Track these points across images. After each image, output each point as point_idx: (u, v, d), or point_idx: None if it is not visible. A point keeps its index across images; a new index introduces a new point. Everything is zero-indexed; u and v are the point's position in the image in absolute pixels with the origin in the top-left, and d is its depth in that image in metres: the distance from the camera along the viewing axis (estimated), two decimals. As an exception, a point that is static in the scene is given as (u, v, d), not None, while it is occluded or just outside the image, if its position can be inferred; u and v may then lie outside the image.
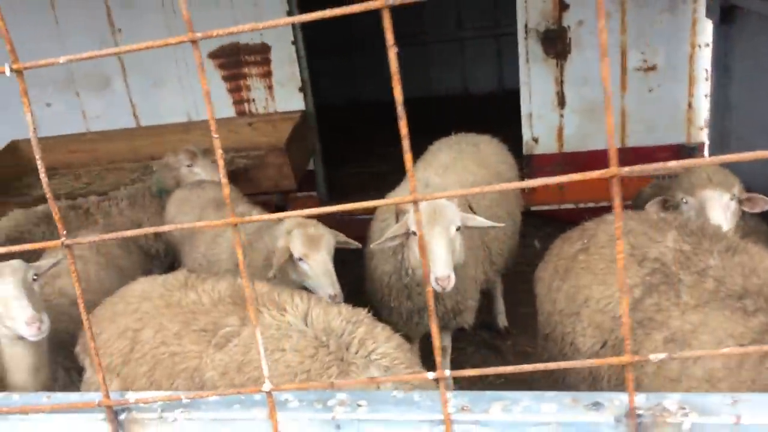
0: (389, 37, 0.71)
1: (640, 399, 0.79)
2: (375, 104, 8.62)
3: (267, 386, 0.80)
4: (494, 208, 4.51)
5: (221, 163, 0.92)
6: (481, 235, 4.41)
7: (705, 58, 5.91)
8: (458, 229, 3.54)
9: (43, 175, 0.79)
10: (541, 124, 6.39)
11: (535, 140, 6.45)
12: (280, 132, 6.48)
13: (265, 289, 2.89)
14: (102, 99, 7.01)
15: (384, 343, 2.69)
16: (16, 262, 3.12)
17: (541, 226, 6.54)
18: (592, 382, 2.94)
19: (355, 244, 4.00)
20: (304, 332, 2.67)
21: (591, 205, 6.46)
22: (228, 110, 6.93)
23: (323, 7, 0.82)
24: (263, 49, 6.64)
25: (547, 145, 6.46)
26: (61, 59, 0.90)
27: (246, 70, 6.74)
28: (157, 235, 5.19)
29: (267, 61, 6.67)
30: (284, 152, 5.92)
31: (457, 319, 4.32)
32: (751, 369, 2.33)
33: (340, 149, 8.41)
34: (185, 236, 4.67)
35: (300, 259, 3.71)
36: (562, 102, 6.28)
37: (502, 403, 0.84)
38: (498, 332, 5.43)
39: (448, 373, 0.76)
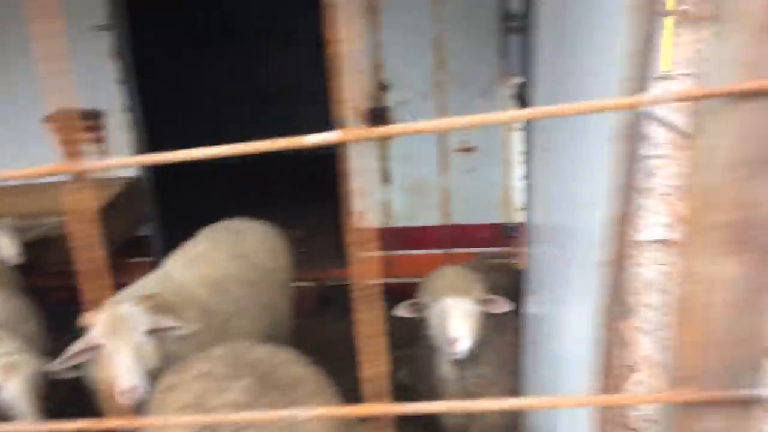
0: None
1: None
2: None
3: None
4: (243, 300, 4.28)
5: None
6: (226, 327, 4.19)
7: (520, 142, 6.01)
8: (149, 332, 3.37)
9: None
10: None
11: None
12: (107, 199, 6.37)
13: None
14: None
15: None
16: None
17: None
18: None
19: None
20: None
21: (416, 280, 6.44)
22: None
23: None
24: (95, 115, 6.59)
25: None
26: None
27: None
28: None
29: (99, 127, 6.60)
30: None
31: None
32: None
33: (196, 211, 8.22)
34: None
35: None
36: (387, 178, 6.32)
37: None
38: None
39: None
